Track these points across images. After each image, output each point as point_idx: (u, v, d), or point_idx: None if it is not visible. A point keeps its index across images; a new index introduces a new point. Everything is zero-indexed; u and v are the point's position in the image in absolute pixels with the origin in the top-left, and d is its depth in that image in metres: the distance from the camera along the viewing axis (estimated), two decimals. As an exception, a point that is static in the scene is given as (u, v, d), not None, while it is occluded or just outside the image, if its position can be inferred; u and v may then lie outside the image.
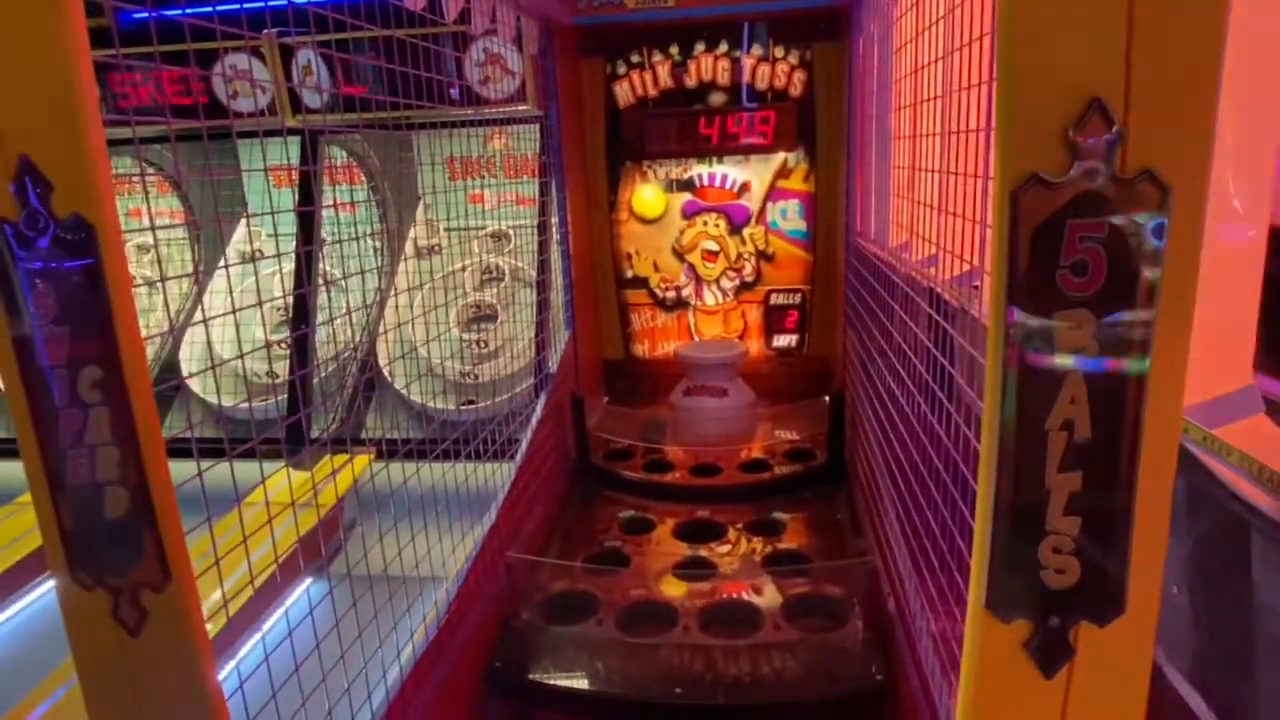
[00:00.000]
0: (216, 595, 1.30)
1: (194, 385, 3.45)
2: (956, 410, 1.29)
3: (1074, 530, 0.80)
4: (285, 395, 3.30)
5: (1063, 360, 0.77)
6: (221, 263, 3.60)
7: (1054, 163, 0.73)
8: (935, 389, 1.43)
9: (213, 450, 1.22)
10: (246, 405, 3.06)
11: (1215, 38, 0.71)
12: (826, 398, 3.01)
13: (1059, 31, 0.71)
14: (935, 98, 1.58)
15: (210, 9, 1.30)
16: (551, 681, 2.07)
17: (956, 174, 1.33)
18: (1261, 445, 0.99)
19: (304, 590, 2.11)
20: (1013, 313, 0.76)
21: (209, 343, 1.49)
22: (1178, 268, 0.74)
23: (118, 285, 0.91)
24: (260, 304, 1.45)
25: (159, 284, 3.33)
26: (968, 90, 1.26)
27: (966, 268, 1.30)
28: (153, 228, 3.70)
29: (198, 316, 3.68)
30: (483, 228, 3.70)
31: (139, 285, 3.36)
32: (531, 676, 2.08)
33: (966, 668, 0.88)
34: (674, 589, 2.33)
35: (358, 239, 2.95)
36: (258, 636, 1.32)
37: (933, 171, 1.58)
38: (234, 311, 1.27)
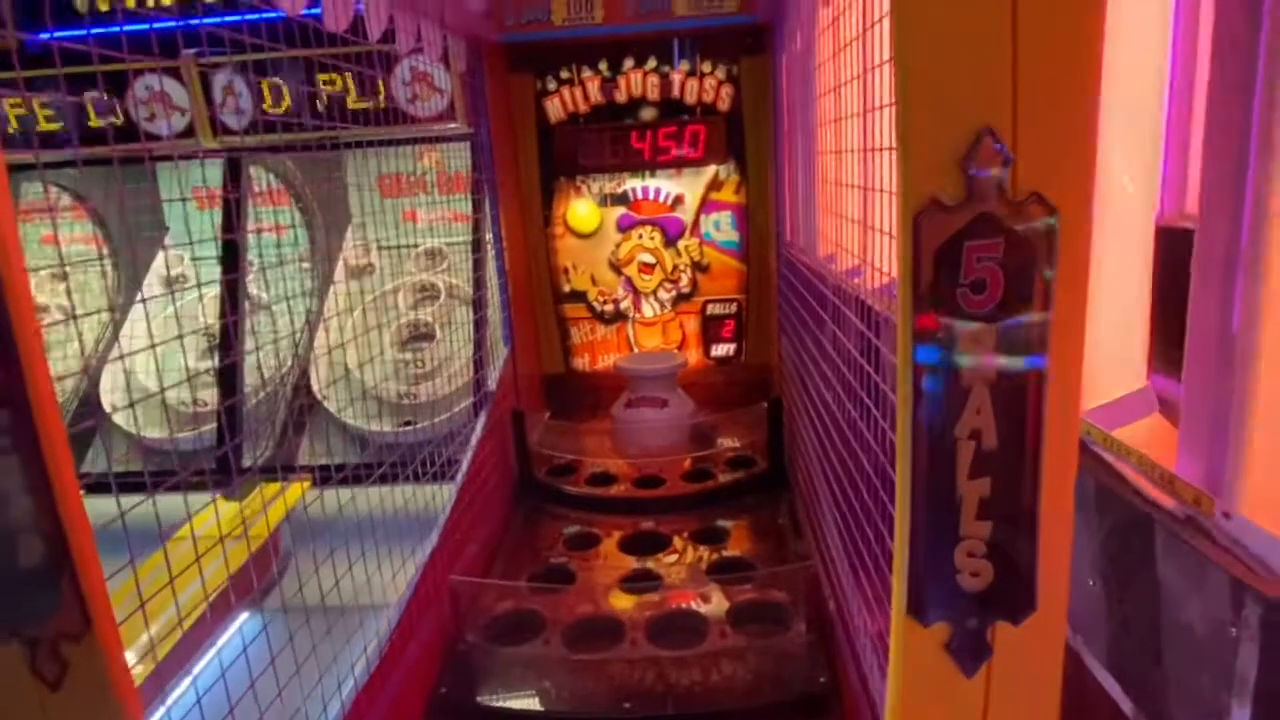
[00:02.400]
0: (145, 639, 1.26)
1: (118, 418, 3.32)
2: (884, 416, 1.33)
3: (986, 534, 0.85)
4: (214, 425, 3.20)
5: (968, 373, 0.81)
6: (140, 293, 3.47)
7: (951, 188, 0.77)
8: (864, 396, 1.48)
9: (140, 485, 1.19)
10: (175, 437, 2.96)
11: (1093, 68, 0.76)
12: (765, 405, 3.06)
13: (951, 66, 0.76)
14: (854, 115, 1.63)
15: (117, 28, 1.26)
16: (499, 704, 2.06)
17: (875, 190, 1.38)
18: (1155, 442, 1.05)
19: (238, 628, 2.05)
20: (919, 330, 0.80)
21: (123, 373, 1.44)
22: (1067, 280, 0.79)
23: (23, 327, 0.88)
24: (180, 336, 1.41)
25: (76, 316, 3.18)
26: (883, 109, 1.30)
27: (887, 280, 1.35)
28: (60, 263, 3.55)
29: (119, 347, 3.54)
30: (415, 246, 3.66)
31: (57, 322, 3.22)
32: (479, 700, 2.06)
33: (892, 671, 0.91)
34: (621, 603, 2.33)
35: (280, 264, 2.88)
36: (188, 680, 1.28)
37: (853, 187, 1.63)
38: (152, 346, 1.24)
